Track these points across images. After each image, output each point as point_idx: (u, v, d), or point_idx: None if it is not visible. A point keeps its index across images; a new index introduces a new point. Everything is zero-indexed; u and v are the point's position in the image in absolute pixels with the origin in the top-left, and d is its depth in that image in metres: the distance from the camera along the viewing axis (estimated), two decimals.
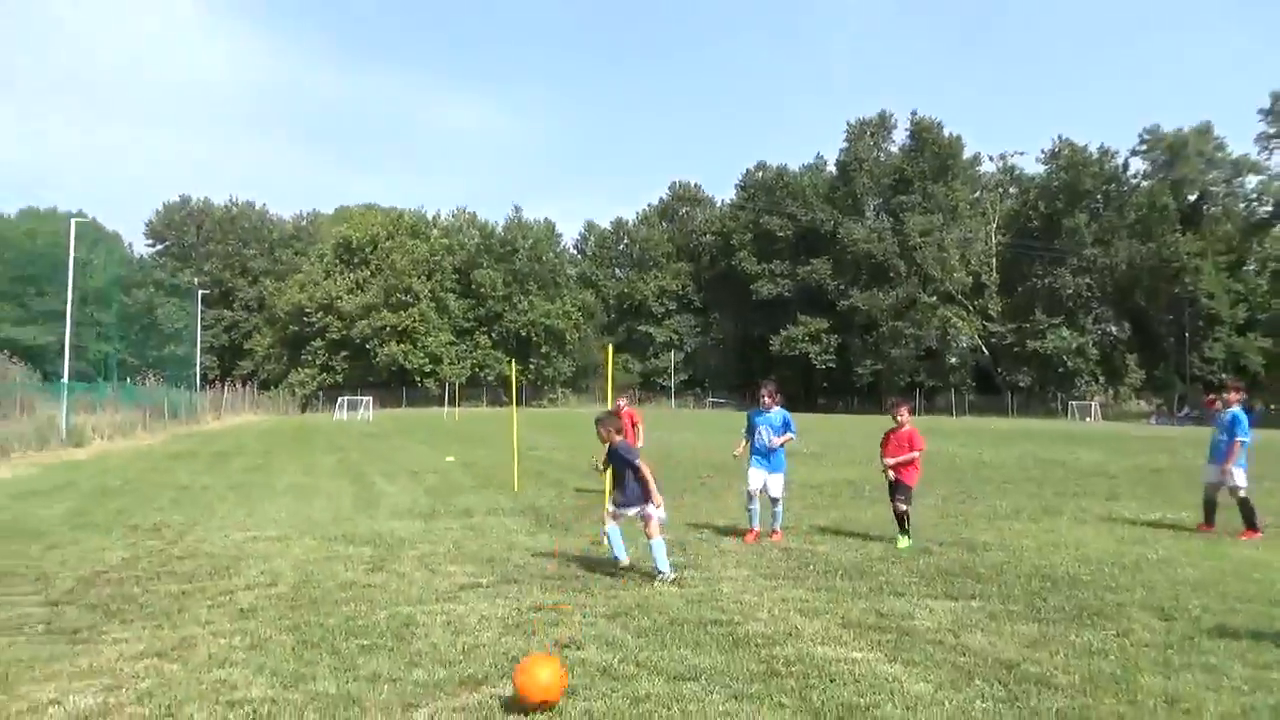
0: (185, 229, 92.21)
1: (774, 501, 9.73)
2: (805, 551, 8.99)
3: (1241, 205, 73.81)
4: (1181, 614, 6.50)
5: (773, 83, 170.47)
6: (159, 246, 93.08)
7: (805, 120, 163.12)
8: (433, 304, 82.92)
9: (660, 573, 7.50)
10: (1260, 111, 66.09)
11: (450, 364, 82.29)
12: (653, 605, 6.71)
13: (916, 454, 9.49)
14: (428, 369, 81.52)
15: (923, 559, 8.59)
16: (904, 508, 9.32)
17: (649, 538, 7.64)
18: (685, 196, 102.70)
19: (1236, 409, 10.54)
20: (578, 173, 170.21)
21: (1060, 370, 74.38)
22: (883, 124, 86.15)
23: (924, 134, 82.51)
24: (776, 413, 9.80)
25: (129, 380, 48.26)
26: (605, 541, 8.10)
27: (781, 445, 9.75)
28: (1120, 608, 6.71)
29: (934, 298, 76.60)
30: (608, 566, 8.01)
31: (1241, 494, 10.25)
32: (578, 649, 5.59)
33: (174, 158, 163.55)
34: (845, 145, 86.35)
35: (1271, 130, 65.86)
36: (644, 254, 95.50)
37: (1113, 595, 7.12)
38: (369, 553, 9.01)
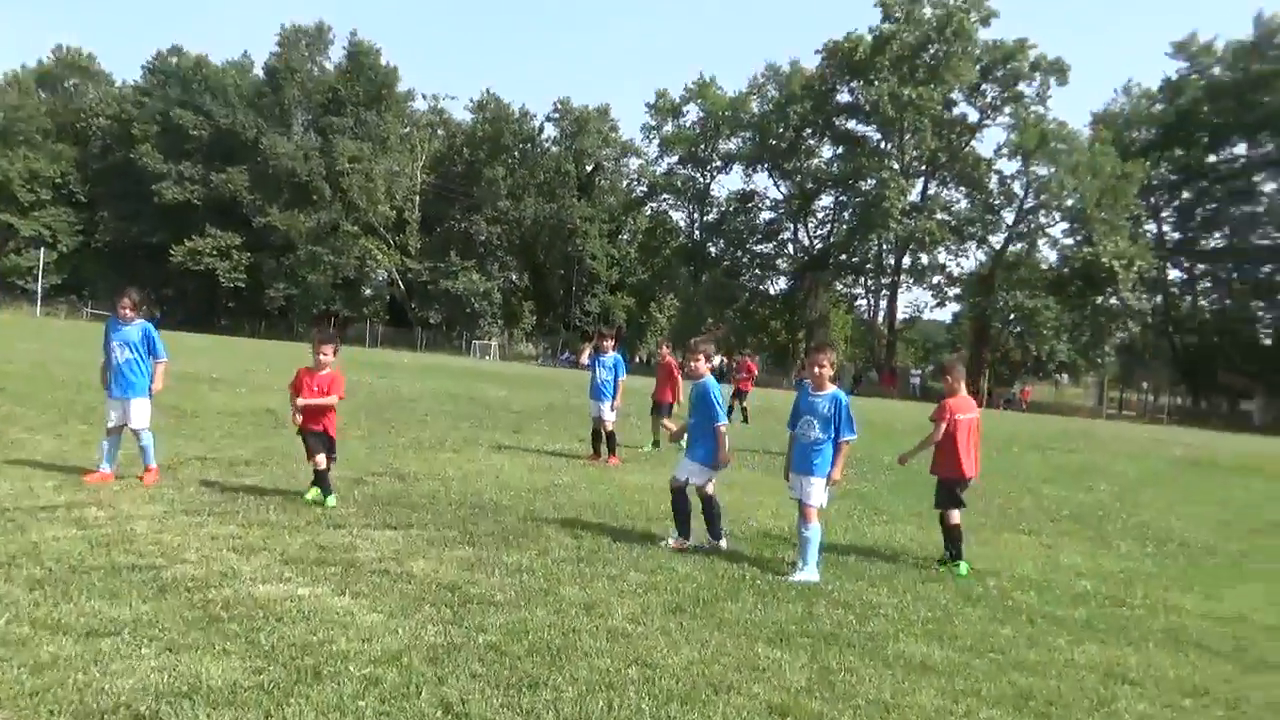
0: None
1: (135, 435, 8.14)
2: (230, 484, 8.32)
3: (624, 183, 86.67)
4: (586, 532, 7.49)
5: None
6: None
7: (232, 10, 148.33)
8: None
9: None
10: (647, 105, 78.18)
11: None
12: (45, 552, 5.61)
13: (334, 400, 7.91)
14: None
15: (358, 489, 8.57)
16: (324, 464, 7.77)
17: None
18: (73, 65, 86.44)
19: (615, 354, 12.56)
20: None
21: (468, 311, 79.81)
22: (320, 36, 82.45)
23: (362, 57, 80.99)
24: (136, 327, 8.21)
25: None
26: None
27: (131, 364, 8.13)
28: (539, 528, 7.49)
29: (356, 227, 76.22)
30: None
31: (610, 427, 12.25)
32: None
33: None
34: (277, 50, 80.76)
35: (653, 122, 78.23)
36: (10, 126, 78.19)
37: (531, 518, 7.91)
38: None
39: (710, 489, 7.28)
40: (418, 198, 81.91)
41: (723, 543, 7.35)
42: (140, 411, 8.10)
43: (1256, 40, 62.30)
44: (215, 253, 75.92)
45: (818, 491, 6.80)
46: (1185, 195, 67.96)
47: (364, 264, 78.86)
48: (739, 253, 77.06)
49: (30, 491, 7.34)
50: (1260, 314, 66.83)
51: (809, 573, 6.64)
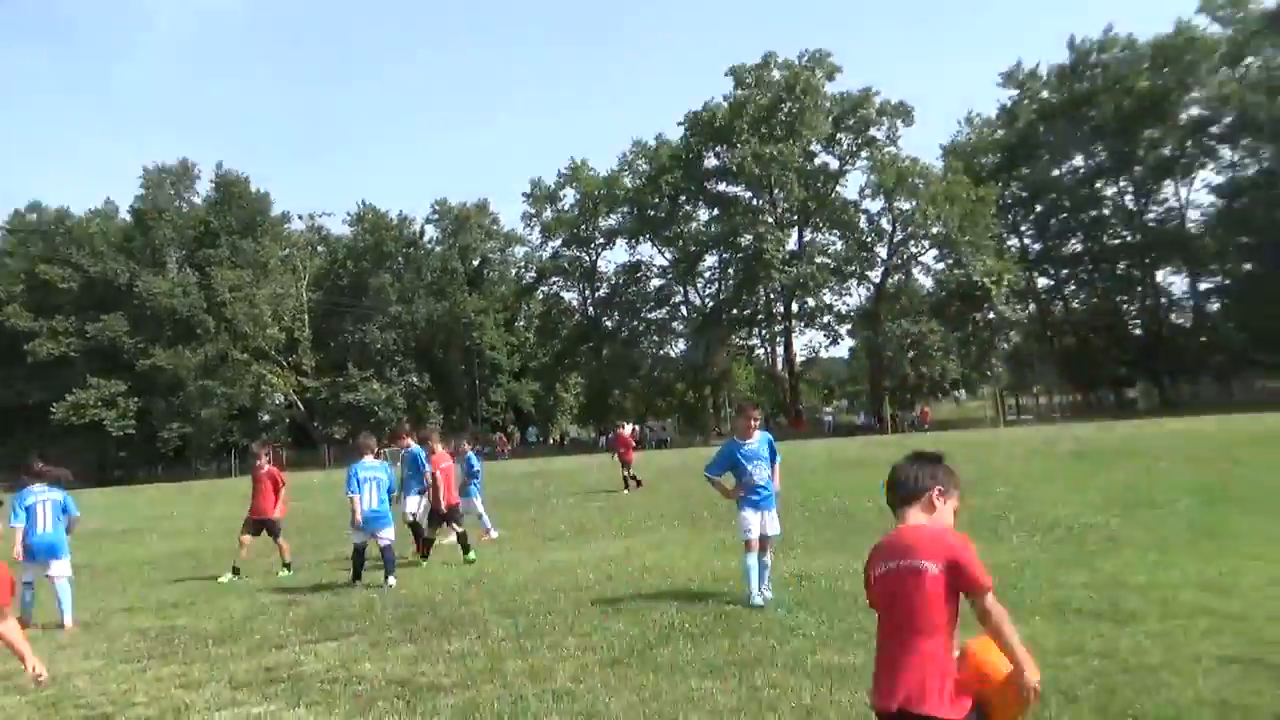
0: None
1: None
2: (165, 628, 8.37)
3: (513, 271, 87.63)
4: (522, 611, 7.84)
5: (53, 113, 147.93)
6: None
7: (91, 160, 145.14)
8: None
9: None
10: (524, 194, 79.84)
11: None
12: None
13: None
14: None
15: (292, 610, 8.71)
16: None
17: None
18: None
19: (470, 455, 13.39)
20: None
21: (373, 420, 78.39)
22: (185, 173, 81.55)
23: (230, 188, 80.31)
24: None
25: None
26: None
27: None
28: (474, 615, 7.81)
29: (246, 355, 74.62)
30: None
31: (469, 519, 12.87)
32: None
33: None
34: (142, 192, 79.47)
35: (532, 210, 79.71)
36: None
37: (466, 608, 8.22)
38: None
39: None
40: (306, 316, 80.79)
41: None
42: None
43: (1073, 63, 67.91)
44: (100, 403, 72.91)
45: (776, 521, 7.77)
46: (1039, 209, 72.50)
47: (258, 390, 76.96)
48: (634, 322, 78.42)
49: None
50: (1125, 306, 71.44)
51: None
